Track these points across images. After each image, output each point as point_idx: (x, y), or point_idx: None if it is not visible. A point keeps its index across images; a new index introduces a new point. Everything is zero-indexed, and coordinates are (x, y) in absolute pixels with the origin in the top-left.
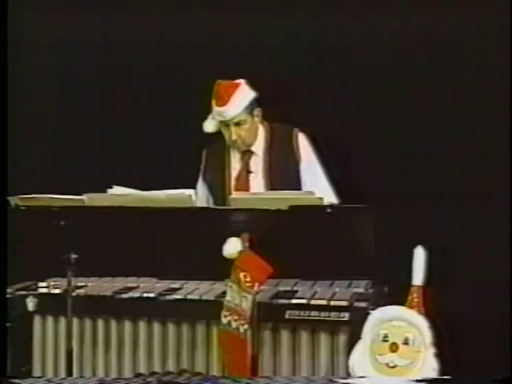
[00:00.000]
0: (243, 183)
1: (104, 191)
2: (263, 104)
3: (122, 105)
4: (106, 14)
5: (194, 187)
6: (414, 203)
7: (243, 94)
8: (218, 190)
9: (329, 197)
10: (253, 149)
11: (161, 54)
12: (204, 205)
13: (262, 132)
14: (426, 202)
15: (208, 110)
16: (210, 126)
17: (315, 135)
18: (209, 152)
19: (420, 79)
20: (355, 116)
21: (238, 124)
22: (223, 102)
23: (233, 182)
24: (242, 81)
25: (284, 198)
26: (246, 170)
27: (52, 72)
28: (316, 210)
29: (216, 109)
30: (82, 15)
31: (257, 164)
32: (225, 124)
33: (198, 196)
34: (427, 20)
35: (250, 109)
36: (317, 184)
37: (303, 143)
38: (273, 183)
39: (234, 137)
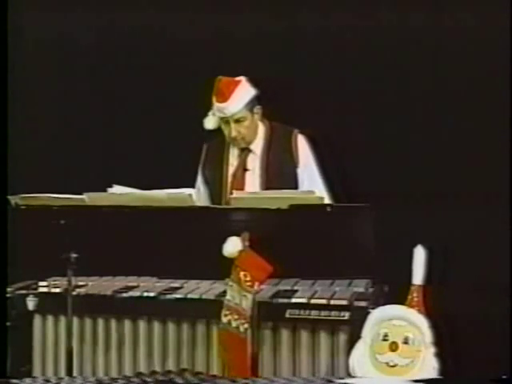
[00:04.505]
0: (239, 180)
1: (104, 190)
2: (262, 102)
3: (122, 104)
4: (106, 13)
5: (194, 186)
6: (414, 203)
7: (244, 91)
8: (215, 185)
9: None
10: (251, 147)
11: (161, 53)
12: (203, 199)
13: (261, 130)
14: (425, 202)
15: (208, 109)
16: (210, 122)
17: (314, 135)
18: (209, 146)
19: (420, 79)
20: (355, 116)
21: (237, 121)
22: (224, 98)
23: (229, 179)
24: (242, 78)
25: (284, 198)
26: (243, 168)
27: (52, 72)
28: (316, 210)
29: (216, 105)
30: (81, 15)
31: (254, 162)
32: (225, 121)
33: (198, 190)
34: (427, 20)
35: (250, 106)
36: (313, 187)
37: (302, 145)
38: (269, 182)
39: (233, 133)
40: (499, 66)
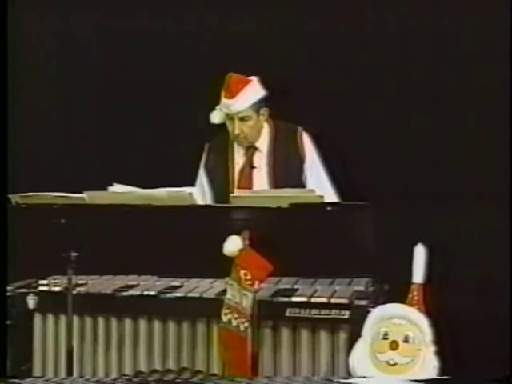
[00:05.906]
0: (247, 178)
1: (105, 189)
2: (267, 102)
3: (122, 103)
4: (106, 13)
5: (194, 185)
6: (414, 202)
7: (252, 91)
8: (220, 184)
9: (331, 198)
10: (257, 145)
11: (161, 53)
12: (208, 198)
13: (266, 129)
14: (425, 201)
15: (208, 109)
16: (216, 117)
17: (317, 134)
18: (211, 145)
19: (420, 79)
20: (356, 115)
21: (242, 119)
22: (231, 94)
23: (236, 177)
24: (254, 78)
25: (284, 196)
26: (250, 165)
27: (52, 71)
28: (316, 208)
29: (223, 101)
30: (81, 14)
31: (260, 160)
32: (230, 117)
33: (202, 190)
34: (427, 20)
35: (257, 106)
36: (319, 185)
37: (307, 143)
38: (276, 180)
39: (236, 131)
40: (499, 66)
